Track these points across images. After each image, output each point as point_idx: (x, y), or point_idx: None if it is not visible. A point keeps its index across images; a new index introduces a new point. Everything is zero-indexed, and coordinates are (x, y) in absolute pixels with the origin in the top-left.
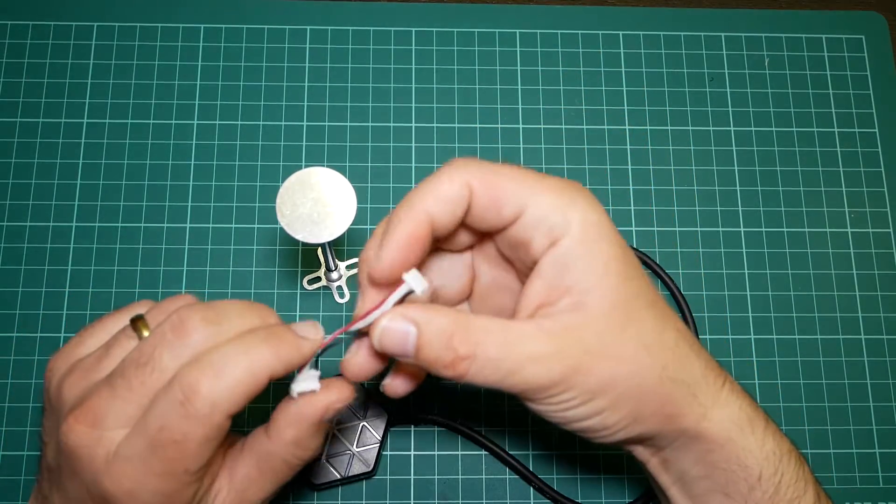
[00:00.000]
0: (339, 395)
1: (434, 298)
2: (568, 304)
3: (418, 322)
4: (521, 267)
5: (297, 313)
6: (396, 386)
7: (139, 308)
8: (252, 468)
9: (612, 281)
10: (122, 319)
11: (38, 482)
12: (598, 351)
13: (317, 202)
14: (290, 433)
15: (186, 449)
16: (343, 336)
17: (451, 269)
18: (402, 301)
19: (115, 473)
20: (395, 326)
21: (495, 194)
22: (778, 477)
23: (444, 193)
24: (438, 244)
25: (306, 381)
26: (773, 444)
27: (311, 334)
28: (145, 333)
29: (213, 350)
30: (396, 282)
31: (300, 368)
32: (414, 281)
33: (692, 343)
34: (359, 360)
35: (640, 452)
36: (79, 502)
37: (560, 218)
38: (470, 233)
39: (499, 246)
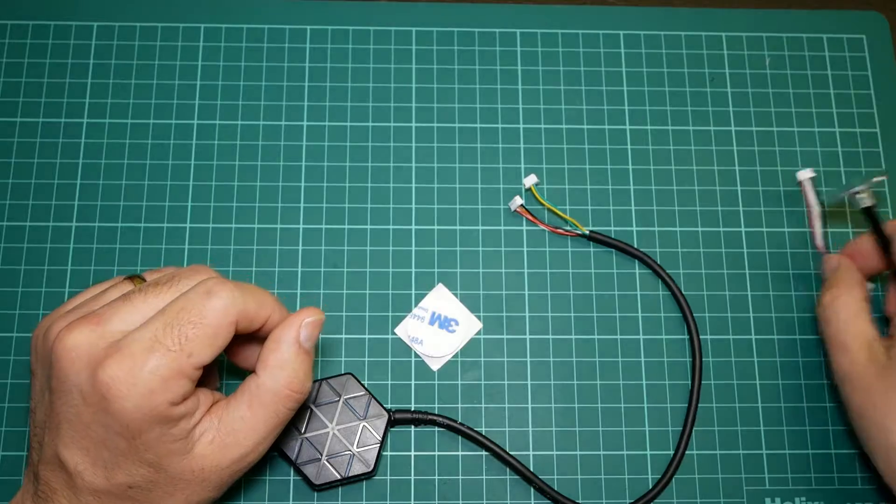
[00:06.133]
0: (308, 315)
1: None
2: None
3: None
4: None
5: None
6: None
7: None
8: (243, 406)
9: None
10: (106, 285)
11: (25, 473)
12: None
13: None
14: (272, 358)
15: (198, 333)
16: None
17: None
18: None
19: (121, 354)
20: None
21: None
22: None
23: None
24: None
25: None
26: None
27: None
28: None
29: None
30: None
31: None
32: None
33: None
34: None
35: None
36: (72, 424)
37: None
38: None
39: None
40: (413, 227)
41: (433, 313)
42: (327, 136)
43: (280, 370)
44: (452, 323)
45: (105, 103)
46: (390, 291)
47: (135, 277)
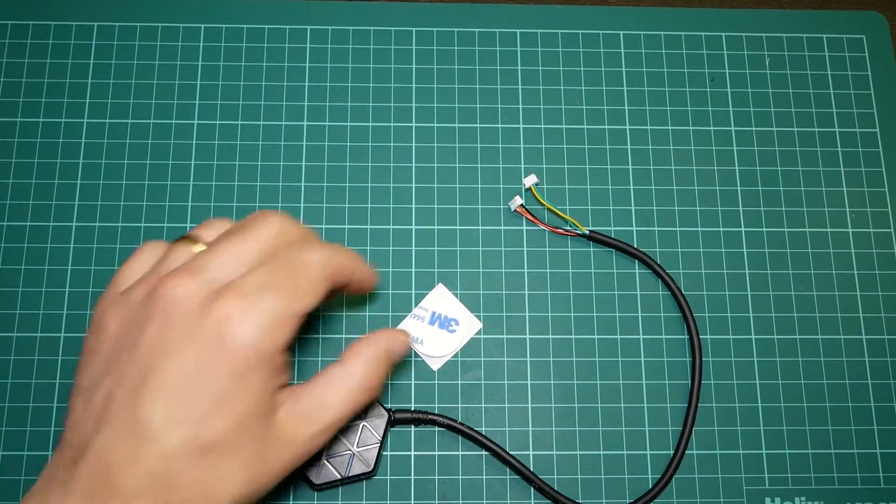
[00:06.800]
0: (406, 337)
1: None
2: None
3: None
4: None
5: None
6: None
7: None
8: (323, 386)
9: None
10: (151, 251)
11: (58, 448)
12: None
13: None
14: (366, 351)
15: (301, 281)
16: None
17: None
18: None
19: (233, 293)
20: None
21: None
22: None
23: None
24: None
25: None
26: None
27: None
28: (200, 246)
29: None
30: None
31: None
32: None
33: None
34: None
35: None
36: (166, 376)
37: None
38: None
39: None
40: (413, 227)
41: (433, 313)
42: (327, 136)
43: (368, 366)
44: (452, 323)
45: (105, 103)
46: (390, 291)
47: (185, 238)
